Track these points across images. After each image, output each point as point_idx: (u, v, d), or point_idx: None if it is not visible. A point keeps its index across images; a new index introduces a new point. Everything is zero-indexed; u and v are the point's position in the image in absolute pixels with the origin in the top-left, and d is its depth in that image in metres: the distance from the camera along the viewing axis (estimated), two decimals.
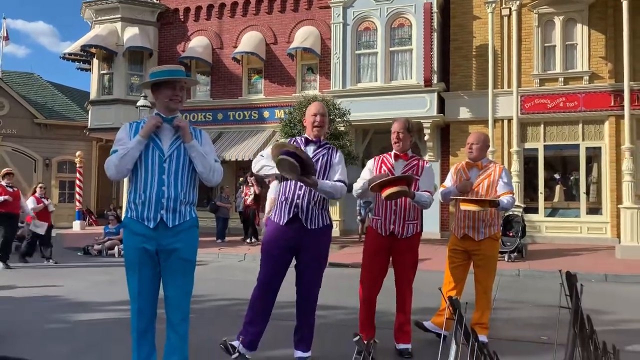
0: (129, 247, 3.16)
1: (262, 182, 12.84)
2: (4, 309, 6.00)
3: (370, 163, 4.47)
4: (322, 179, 3.84)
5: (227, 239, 14.41)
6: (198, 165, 3.18)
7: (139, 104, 15.43)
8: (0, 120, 20.95)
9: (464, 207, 4.35)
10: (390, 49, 15.38)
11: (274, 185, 9.36)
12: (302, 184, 3.74)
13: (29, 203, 10.59)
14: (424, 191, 4.18)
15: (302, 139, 4.03)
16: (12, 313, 5.79)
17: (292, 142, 4.03)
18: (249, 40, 17.32)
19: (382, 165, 4.35)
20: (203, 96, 18.28)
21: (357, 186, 4.34)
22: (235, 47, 17.52)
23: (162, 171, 3.09)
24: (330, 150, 3.98)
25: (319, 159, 3.91)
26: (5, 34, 23.53)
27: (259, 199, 13.80)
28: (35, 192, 11.03)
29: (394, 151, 4.38)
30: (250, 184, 14.17)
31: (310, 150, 3.95)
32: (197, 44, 17.98)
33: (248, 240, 13.96)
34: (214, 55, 18.07)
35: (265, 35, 17.54)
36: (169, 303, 3.15)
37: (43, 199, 10.88)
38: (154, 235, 3.07)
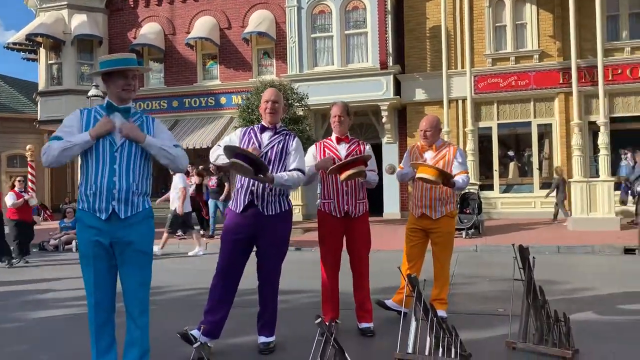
0: (82, 240, 3.08)
1: (225, 172, 12.63)
2: None
3: (312, 149, 4.52)
4: (278, 166, 3.84)
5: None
6: (161, 159, 3.16)
7: (90, 93, 14.98)
8: None
9: (420, 174, 4.34)
10: (346, 32, 15.38)
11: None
12: None
13: (8, 199, 9.91)
14: (370, 170, 4.32)
15: (259, 126, 4.02)
16: None
17: (248, 131, 4.02)
18: (203, 26, 17.00)
19: (326, 149, 4.42)
20: (157, 83, 17.89)
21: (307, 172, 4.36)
22: (189, 32, 17.18)
23: (114, 161, 3.01)
24: (286, 137, 3.97)
25: (274, 145, 3.90)
26: None
27: (202, 189, 13.32)
28: (13, 186, 10.17)
29: (334, 135, 4.44)
30: (191, 174, 13.37)
31: (265, 137, 3.93)
32: (149, 30, 17.54)
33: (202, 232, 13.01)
34: (166, 42, 17.67)
35: (218, 20, 17.26)
36: (128, 296, 3.10)
37: (23, 194, 10.11)
38: (106, 228, 3.01)
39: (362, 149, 4.42)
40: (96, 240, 3.02)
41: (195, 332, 3.77)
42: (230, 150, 3.67)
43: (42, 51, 17.99)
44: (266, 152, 3.86)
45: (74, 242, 11.46)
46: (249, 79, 16.69)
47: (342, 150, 4.38)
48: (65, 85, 17.56)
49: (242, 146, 3.90)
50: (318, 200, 4.58)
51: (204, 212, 13.34)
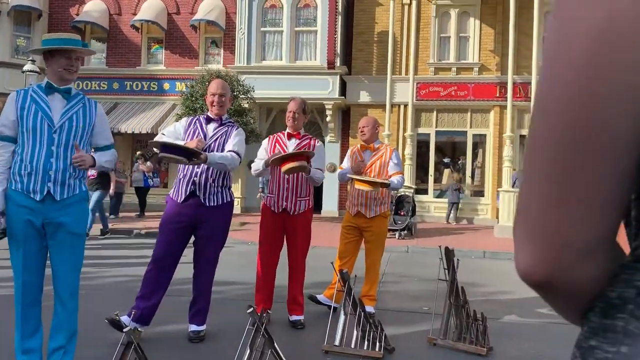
0: (12, 220, 3.01)
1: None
2: None
3: (265, 142, 4.61)
4: None
5: (120, 214, 13.89)
6: (106, 165, 3.30)
7: (25, 68, 14.28)
8: None
9: (358, 186, 4.64)
10: (296, 28, 15.45)
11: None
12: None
13: None
14: (316, 169, 4.40)
15: (205, 117, 4.06)
16: None
17: (194, 121, 4.06)
18: (150, 8, 16.58)
19: (276, 144, 4.51)
20: (98, 63, 17.29)
21: (256, 166, 4.47)
22: (135, 14, 16.71)
23: (52, 142, 2.98)
24: (230, 129, 4.04)
25: (218, 138, 3.96)
26: None
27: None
28: None
29: (287, 130, 4.54)
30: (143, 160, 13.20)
31: (210, 128, 3.99)
32: (93, 8, 16.91)
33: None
34: (111, 22, 17.11)
35: (167, 4, 16.88)
36: (57, 277, 3.07)
37: None
38: (40, 208, 2.97)
39: (312, 145, 4.48)
40: (28, 220, 2.97)
41: (125, 318, 3.77)
42: (158, 145, 3.71)
43: None
44: (210, 144, 3.92)
45: None
46: (195, 66, 16.45)
47: (292, 145, 4.46)
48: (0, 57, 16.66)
49: (187, 136, 3.95)
50: (258, 195, 4.66)
51: None
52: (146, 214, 14.36)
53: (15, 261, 3.05)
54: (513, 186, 12.70)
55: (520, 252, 0.51)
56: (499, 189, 12.92)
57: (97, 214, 10.43)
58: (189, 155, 3.64)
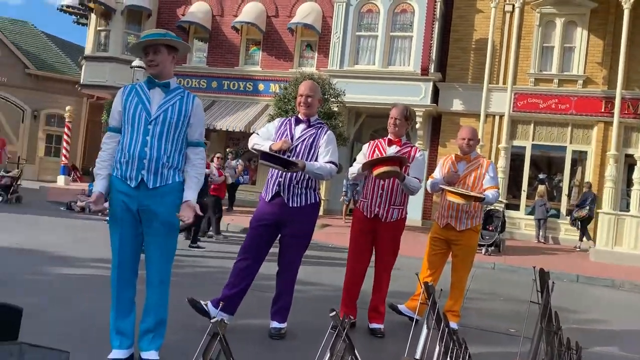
0: (112, 204, 3.22)
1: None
2: None
3: (365, 147, 4.59)
4: (307, 158, 3.91)
5: None
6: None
7: (133, 64, 15.30)
8: None
9: (450, 198, 4.48)
10: (391, 33, 15.35)
11: None
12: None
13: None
14: (413, 177, 4.28)
15: (295, 118, 4.11)
16: None
17: (285, 122, 4.12)
18: (250, 11, 17.15)
19: (376, 149, 4.46)
20: (199, 62, 18.13)
21: (352, 170, 4.47)
22: (236, 16, 17.34)
23: (147, 132, 3.11)
24: (319, 130, 4.04)
25: (305, 139, 3.98)
26: None
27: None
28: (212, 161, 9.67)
29: (388, 136, 4.48)
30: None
31: (298, 130, 4.03)
32: (198, 9, 17.76)
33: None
34: (213, 22, 17.87)
35: (267, 7, 17.38)
36: (150, 264, 3.20)
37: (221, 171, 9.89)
38: (135, 194, 3.12)
39: (412, 155, 4.36)
40: (125, 204, 3.13)
41: (212, 309, 3.89)
42: (258, 152, 3.89)
43: (92, 17, 18.38)
44: (296, 146, 3.95)
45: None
46: (289, 69, 16.79)
47: (392, 152, 4.36)
48: (111, 52, 17.92)
49: (277, 137, 4.02)
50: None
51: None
52: (235, 209, 14.85)
53: (113, 242, 3.22)
54: (583, 205, 11.96)
55: None
56: (599, 211, 12.08)
57: None
58: (287, 163, 3.72)
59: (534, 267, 4.06)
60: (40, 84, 21.35)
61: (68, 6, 18.89)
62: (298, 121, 4.07)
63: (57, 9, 19.48)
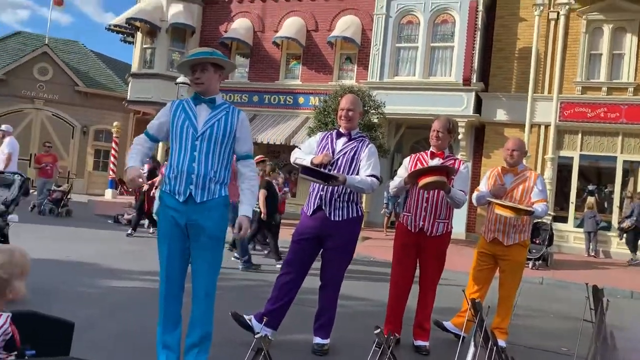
0: (161, 219, 3.29)
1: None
2: (37, 268, 6.21)
3: (406, 161, 4.52)
4: (348, 172, 3.89)
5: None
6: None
7: (178, 80, 15.67)
8: (43, 85, 21.53)
9: (498, 211, 4.36)
10: (432, 44, 15.23)
11: None
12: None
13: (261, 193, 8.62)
14: (459, 190, 4.20)
15: (336, 131, 4.11)
16: (44, 274, 6.02)
17: (326, 136, 4.12)
18: (291, 26, 17.35)
19: (418, 163, 4.39)
20: (240, 77, 18.43)
21: (394, 184, 4.41)
22: (277, 31, 17.58)
23: (194, 148, 3.17)
24: (360, 144, 4.02)
25: (346, 152, 3.97)
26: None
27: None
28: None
29: (430, 149, 4.41)
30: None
31: (339, 143, 4.02)
32: (240, 25, 18.09)
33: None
34: (254, 38, 18.17)
35: (307, 21, 17.55)
36: (196, 277, 3.24)
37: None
38: (183, 209, 3.17)
39: (456, 167, 4.27)
40: (174, 219, 3.19)
41: (255, 324, 3.90)
42: (299, 166, 3.94)
43: (139, 35, 18.98)
44: (337, 159, 3.94)
45: (146, 220, 12.00)
46: (329, 81, 16.86)
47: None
48: (156, 69, 18.43)
49: (318, 151, 4.03)
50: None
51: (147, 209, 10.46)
52: None
53: (161, 257, 3.28)
54: (630, 216, 11.75)
55: None
56: None
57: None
58: (328, 177, 3.71)
59: (587, 284, 3.92)
60: (89, 101, 22.15)
61: (115, 25, 19.55)
62: (339, 135, 4.06)
63: (105, 29, 20.18)
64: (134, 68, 19.14)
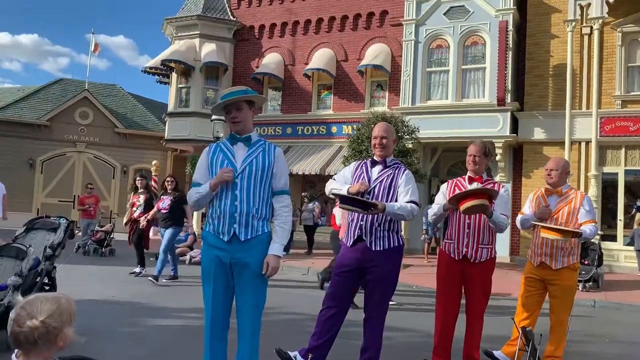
0: (205, 258, 3.31)
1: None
2: (84, 309, 6.34)
3: (444, 187, 4.45)
4: (386, 199, 3.85)
5: (291, 251, 14.58)
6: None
7: (213, 117, 15.97)
8: (84, 128, 22.31)
9: (544, 234, 4.22)
10: (463, 67, 15.16)
11: (337, 210, 8.40)
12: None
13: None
14: (501, 214, 4.10)
15: (370, 160, 4.08)
16: (91, 315, 6.12)
17: (360, 165, 4.09)
18: (321, 57, 17.60)
19: (456, 188, 4.31)
20: (273, 110, 18.71)
21: (432, 211, 4.34)
22: (307, 63, 17.84)
23: (235, 187, 3.20)
24: (396, 171, 3.97)
25: (382, 180, 3.93)
26: (94, 46, 24.90)
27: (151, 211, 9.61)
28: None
29: (468, 174, 4.33)
30: (140, 192, 10.17)
31: (375, 171, 3.99)
32: (271, 60, 18.46)
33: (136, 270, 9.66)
34: (285, 72, 18.48)
35: (336, 52, 17.76)
36: (241, 315, 3.23)
37: None
38: (228, 248, 3.19)
39: (496, 189, 4.15)
40: (218, 259, 3.21)
41: (298, 357, 3.85)
42: (337, 196, 3.92)
43: (174, 76, 19.56)
44: (374, 187, 3.90)
45: (187, 255, 12.14)
46: (361, 110, 16.92)
47: None
48: (192, 107, 18.90)
49: (353, 180, 4.00)
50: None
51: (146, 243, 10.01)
52: (314, 251, 14.88)
53: (206, 296, 3.29)
54: None
55: None
56: None
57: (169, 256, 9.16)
58: (367, 205, 3.68)
59: None
60: (129, 141, 22.81)
61: (151, 67, 20.21)
62: (374, 163, 4.03)
63: (142, 71, 20.90)
64: (170, 107, 19.68)
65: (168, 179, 9.40)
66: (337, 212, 8.42)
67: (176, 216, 8.97)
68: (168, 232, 8.88)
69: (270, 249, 3.23)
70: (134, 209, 9.89)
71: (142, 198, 9.91)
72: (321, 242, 15.81)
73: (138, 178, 10.19)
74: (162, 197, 9.22)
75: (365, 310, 3.99)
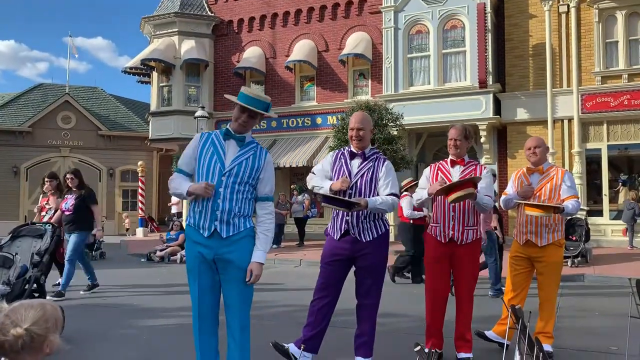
0: (189, 255, 3.30)
1: None
2: (75, 311, 6.31)
3: (426, 171, 4.46)
4: (369, 194, 3.85)
5: (282, 244, 14.60)
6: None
7: (196, 114, 15.92)
8: (67, 133, 22.09)
9: (527, 212, 4.28)
10: (443, 51, 15.20)
11: (405, 202, 8.24)
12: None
13: (406, 205, 8.28)
14: (484, 195, 4.14)
15: (349, 151, 4.04)
16: (83, 317, 6.09)
17: (339, 157, 4.06)
18: (301, 49, 17.53)
19: (439, 172, 4.33)
20: None
21: (417, 196, 4.36)
22: (288, 55, 17.77)
23: (220, 184, 3.17)
24: (376, 162, 3.95)
25: (363, 174, 3.91)
26: (74, 50, 24.56)
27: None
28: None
29: (450, 157, 4.36)
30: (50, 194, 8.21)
31: (355, 164, 3.96)
32: (251, 54, 18.36)
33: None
34: (267, 65, 18.39)
35: (317, 43, 17.71)
36: (229, 311, 3.23)
37: None
38: (209, 244, 3.18)
39: (477, 171, 4.23)
40: (200, 254, 3.20)
41: (295, 351, 3.86)
42: (320, 195, 3.91)
43: (154, 75, 19.40)
44: (356, 182, 3.89)
45: (178, 255, 12.11)
46: (345, 99, 16.93)
47: (456, 173, 4.26)
48: (174, 106, 18.78)
49: (334, 173, 3.99)
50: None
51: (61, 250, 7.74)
52: (305, 243, 14.92)
53: (192, 293, 3.29)
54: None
55: None
56: None
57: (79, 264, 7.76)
58: (350, 204, 3.69)
59: (630, 279, 3.79)
60: (113, 144, 22.62)
61: (131, 68, 20.02)
62: (353, 155, 3.99)
63: (122, 72, 20.69)
64: (153, 107, 19.53)
65: (68, 175, 7.76)
66: (405, 203, 8.29)
67: (82, 218, 7.55)
68: (73, 238, 7.49)
69: (254, 257, 3.22)
70: (43, 213, 8.09)
71: (52, 201, 8.08)
72: (311, 233, 15.85)
73: (47, 179, 8.17)
74: (65, 196, 7.69)
75: (358, 296, 4.02)
